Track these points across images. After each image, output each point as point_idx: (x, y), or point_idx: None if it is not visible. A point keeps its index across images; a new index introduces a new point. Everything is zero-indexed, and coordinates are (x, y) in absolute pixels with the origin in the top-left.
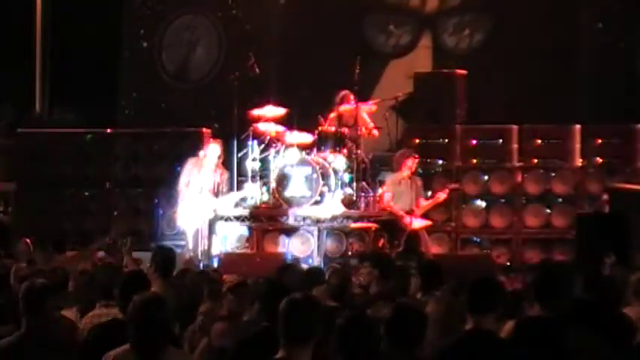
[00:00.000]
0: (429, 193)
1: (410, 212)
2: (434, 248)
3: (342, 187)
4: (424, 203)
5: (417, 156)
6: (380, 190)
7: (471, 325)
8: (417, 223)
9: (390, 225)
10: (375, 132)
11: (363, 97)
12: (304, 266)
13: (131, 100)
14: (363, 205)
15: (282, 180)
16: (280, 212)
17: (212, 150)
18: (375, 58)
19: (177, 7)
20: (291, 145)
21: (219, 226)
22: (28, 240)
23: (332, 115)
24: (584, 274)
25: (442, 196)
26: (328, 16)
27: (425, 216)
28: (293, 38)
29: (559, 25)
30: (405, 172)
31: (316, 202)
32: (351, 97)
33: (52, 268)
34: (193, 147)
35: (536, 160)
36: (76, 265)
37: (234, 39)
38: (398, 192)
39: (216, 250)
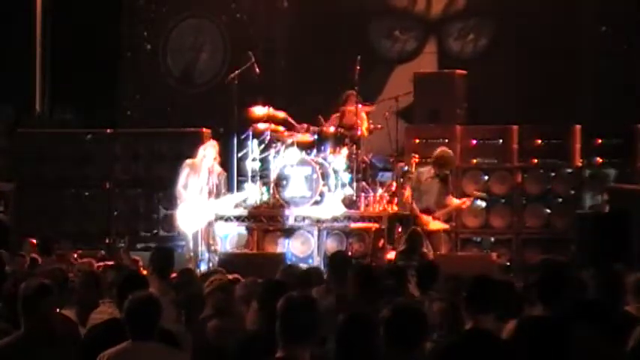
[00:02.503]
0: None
1: (429, 212)
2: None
3: (342, 187)
4: (455, 202)
5: (416, 156)
6: (380, 190)
7: (469, 325)
8: (434, 225)
9: (406, 221)
10: (379, 126)
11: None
12: (304, 266)
13: (133, 102)
14: (363, 205)
15: (282, 180)
16: (280, 212)
17: (209, 151)
18: (381, 63)
19: (181, 11)
20: (291, 145)
21: (219, 226)
22: (33, 240)
23: (335, 115)
24: (585, 274)
25: (466, 203)
26: (333, 21)
27: (446, 220)
28: (297, 42)
29: (561, 26)
30: (436, 171)
31: (316, 202)
32: (355, 97)
33: (51, 268)
34: (193, 147)
35: (536, 160)
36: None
37: (238, 42)
38: (421, 189)
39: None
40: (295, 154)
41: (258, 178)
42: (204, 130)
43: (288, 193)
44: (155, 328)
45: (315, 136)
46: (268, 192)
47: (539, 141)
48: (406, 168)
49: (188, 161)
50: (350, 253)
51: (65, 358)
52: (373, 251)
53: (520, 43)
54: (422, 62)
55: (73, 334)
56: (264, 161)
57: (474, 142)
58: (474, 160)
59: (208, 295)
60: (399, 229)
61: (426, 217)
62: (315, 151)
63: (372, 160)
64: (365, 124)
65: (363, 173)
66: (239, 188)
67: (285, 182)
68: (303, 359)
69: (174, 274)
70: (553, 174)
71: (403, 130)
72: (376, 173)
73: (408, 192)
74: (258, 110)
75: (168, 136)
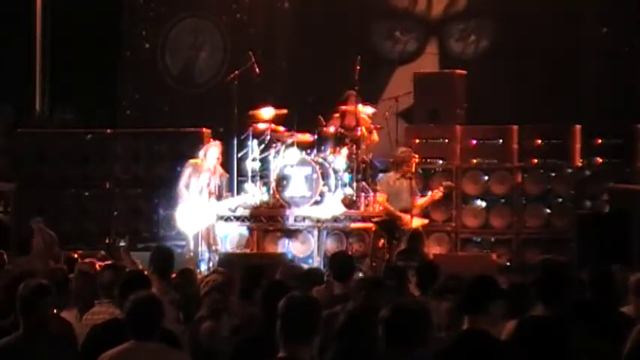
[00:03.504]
0: (429, 193)
1: (406, 211)
2: (434, 248)
3: (342, 187)
4: (420, 202)
5: (416, 156)
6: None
7: (467, 326)
8: (415, 222)
9: (388, 225)
10: (375, 136)
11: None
12: (304, 266)
13: (132, 101)
14: (363, 205)
15: (282, 180)
16: (280, 212)
17: (211, 152)
18: (382, 64)
19: (180, 10)
20: (291, 145)
21: (220, 226)
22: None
23: (335, 115)
24: (585, 274)
25: (437, 194)
26: (333, 22)
27: (423, 215)
28: (297, 42)
29: (562, 27)
30: (400, 172)
31: (316, 202)
32: (355, 97)
33: (51, 268)
34: (193, 147)
35: (536, 160)
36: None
37: (238, 43)
38: (393, 192)
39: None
40: (295, 154)
41: (258, 178)
42: (204, 130)
43: (288, 193)
44: (157, 328)
45: (315, 136)
46: (268, 192)
47: (539, 141)
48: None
49: (191, 161)
50: (350, 253)
51: (64, 358)
52: (373, 251)
53: (521, 43)
54: (423, 63)
55: (70, 335)
56: (264, 161)
57: (474, 142)
58: (474, 160)
59: (204, 295)
60: (381, 242)
61: (406, 217)
62: (315, 151)
63: (372, 160)
64: (365, 124)
65: (363, 173)
66: (239, 188)
67: (285, 182)
68: (304, 359)
69: (174, 274)
70: (553, 174)
71: (403, 131)
72: (376, 173)
73: (383, 197)
74: (259, 110)
75: (168, 136)
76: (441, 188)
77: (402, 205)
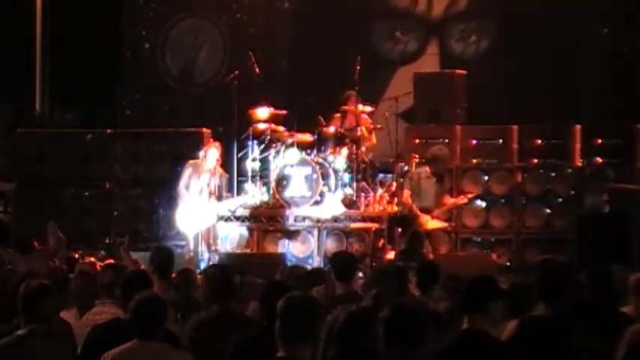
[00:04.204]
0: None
1: (427, 211)
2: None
3: (342, 187)
4: (449, 201)
5: (417, 155)
6: (380, 191)
7: (466, 326)
8: (433, 224)
9: (405, 222)
10: (374, 139)
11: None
12: (308, 267)
13: (132, 101)
14: (363, 205)
15: (282, 180)
16: (280, 212)
17: (211, 153)
18: (383, 64)
19: (180, 10)
20: (291, 145)
21: (220, 226)
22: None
23: (336, 115)
24: (584, 275)
25: (462, 200)
26: (333, 22)
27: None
28: (297, 42)
29: (563, 27)
30: (432, 170)
31: (316, 203)
32: (355, 97)
33: (51, 268)
34: (193, 147)
35: (536, 160)
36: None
37: (238, 43)
38: (418, 189)
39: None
40: (295, 154)
41: (258, 178)
42: (204, 130)
43: (288, 193)
44: (161, 328)
45: (315, 137)
46: (268, 192)
47: (539, 141)
48: (406, 168)
49: (191, 161)
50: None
51: (64, 358)
52: (373, 251)
53: (521, 43)
54: (424, 63)
55: (70, 335)
56: (264, 161)
57: (474, 142)
58: (474, 160)
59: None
60: (399, 230)
61: (425, 217)
62: (315, 151)
63: (372, 160)
64: (365, 125)
65: (363, 173)
66: (239, 188)
67: (285, 182)
68: (304, 359)
69: (174, 274)
70: (553, 174)
71: (403, 131)
72: (376, 174)
73: (406, 193)
74: (259, 110)
75: (168, 136)
76: (469, 195)
77: (424, 203)
